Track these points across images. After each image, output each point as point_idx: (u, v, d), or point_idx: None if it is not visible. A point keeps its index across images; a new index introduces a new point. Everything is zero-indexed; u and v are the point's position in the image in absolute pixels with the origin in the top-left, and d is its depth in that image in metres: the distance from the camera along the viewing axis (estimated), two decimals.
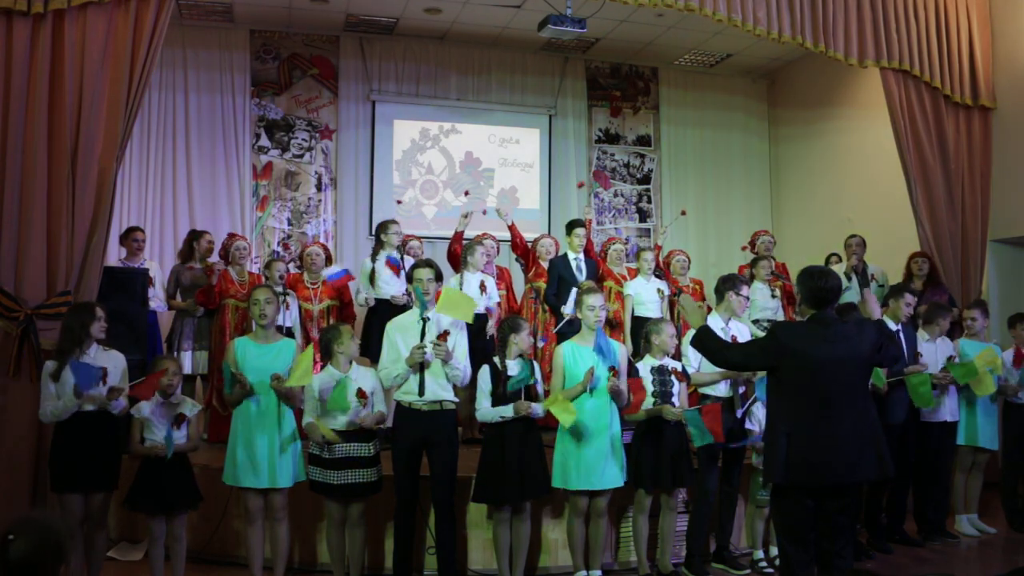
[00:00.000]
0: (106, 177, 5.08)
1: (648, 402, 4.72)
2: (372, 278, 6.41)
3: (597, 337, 4.55)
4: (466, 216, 6.90)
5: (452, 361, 4.36)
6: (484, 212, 7.36)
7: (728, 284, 5.03)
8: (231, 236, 6.76)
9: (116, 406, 4.22)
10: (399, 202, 8.53)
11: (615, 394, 4.53)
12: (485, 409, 4.51)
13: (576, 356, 4.57)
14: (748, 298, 5.17)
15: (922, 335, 5.77)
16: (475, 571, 4.88)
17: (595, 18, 7.82)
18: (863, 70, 7.40)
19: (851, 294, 6.66)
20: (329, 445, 4.30)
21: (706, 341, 3.93)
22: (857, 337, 3.75)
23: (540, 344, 6.41)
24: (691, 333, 4.08)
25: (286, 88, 8.93)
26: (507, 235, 7.13)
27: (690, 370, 4.81)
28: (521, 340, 4.56)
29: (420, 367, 4.35)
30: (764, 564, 5.00)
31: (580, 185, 9.27)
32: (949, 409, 5.64)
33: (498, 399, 4.48)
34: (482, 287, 6.29)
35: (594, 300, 4.64)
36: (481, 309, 6.23)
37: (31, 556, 1.93)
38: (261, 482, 4.32)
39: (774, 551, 4.89)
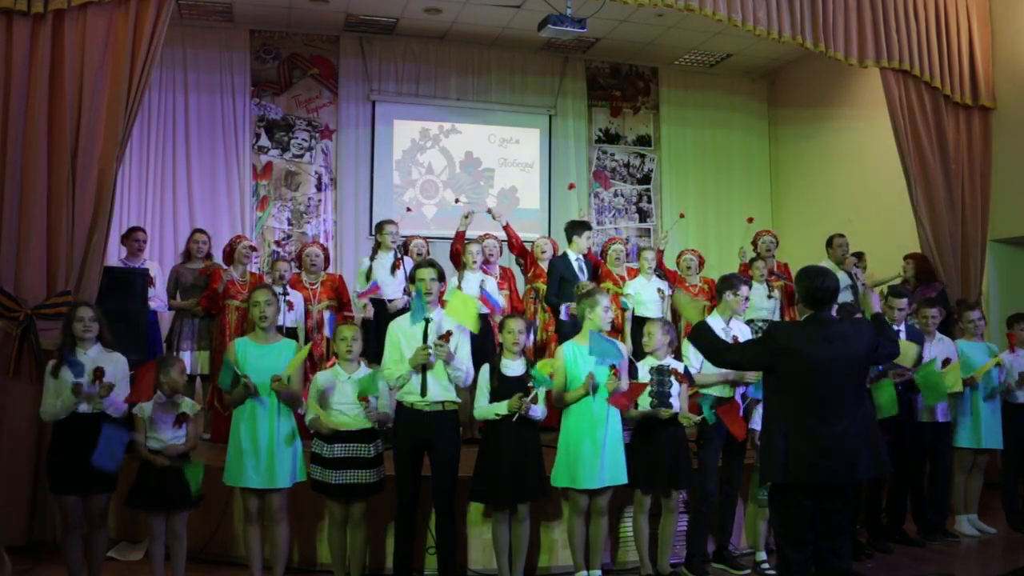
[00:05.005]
0: (106, 177, 5.08)
1: (645, 402, 4.72)
2: (368, 277, 6.43)
3: (592, 342, 4.45)
4: (467, 216, 6.88)
5: (454, 362, 4.36)
6: (489, 211, 7.32)
7: (726, 284, 5.06)
8: (237, 237, 6.75)
9: (115, 410, 4.22)
10: (408, 209, 8.52)
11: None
12: (482, 407, 4.51)
13: (577, 357, 4.56)
14: (747, 298, 5.16)
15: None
16: (475, 571, 4.88)
17: (595, 18, 7.83)
18: (863, 70, 7.40)
19: (846, 293, 6.66)
20: (326, 433, 4.36)
21: (703, 338, 3.91)
22: (854, 336, 3.76)
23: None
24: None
25: (286, 88, 8.94)
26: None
27: (692, 371, 4.81)
28: (505, 337, 4.55)
29: (423, 368, 4.35)
30: (766, 566, 5.00)
31: (571, 187, 9.20)
32: (940, 410, 5.63)
33: (496, 398, 4.47)
34: (481, 287, 6.29)
35: (607, 301, 4.67)
36: (485, 310, 6.24)
37: None
38: (261, 482, 4.31)
39: None
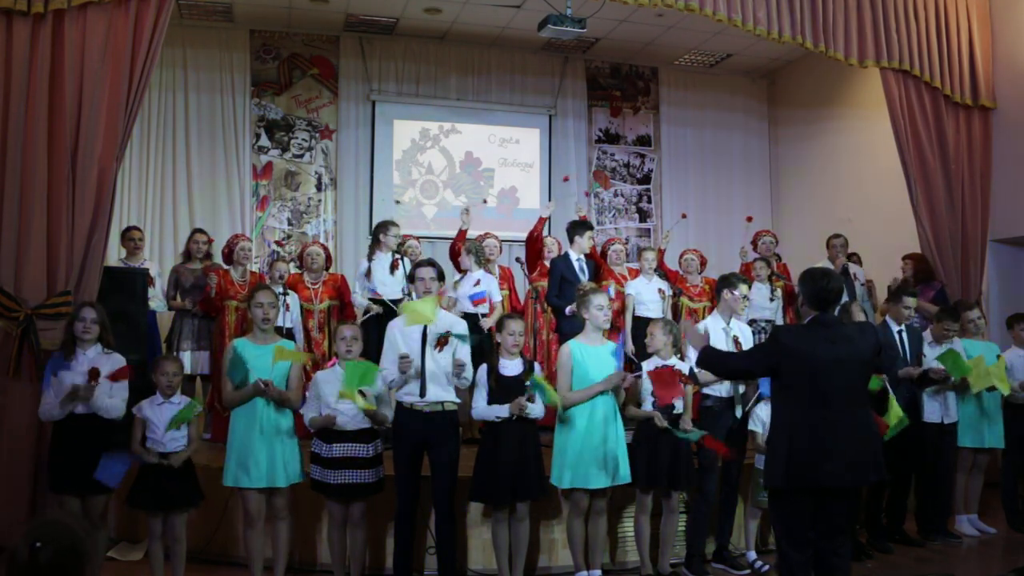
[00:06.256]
0: (106, 177, 5.07)
1: (646, 403, 4.72)
2: (367, 279, 6.41)
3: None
4: (466, 212, 6.87)
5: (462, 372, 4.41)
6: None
7: (723, 283, 5.10)
8: (235, 237, 6.74)
9: (107, 411, 4.20)
10: (397, 202, 8.61)
11: (617, 391, 4.55)
12: (481, 408, 4.51)
13: (584, 355, 4.56)
14: (746, 296, 5.17)
15: (926, 336, 5.79)
16: (475, 571, 4.88)
17: (595, 18, 7.82)
18: (863, 70, 7.40)
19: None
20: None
21: (710, 359, 3.99)
22: (858, 339, 3.77)
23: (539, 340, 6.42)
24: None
25: (286, 88, 8.94)
26: (509, 234, 7.08)
27: (696, 370, 4.80)
28: (504, 338, 4.55)
29: (422, 369, 4.36)
30: (759, 563, 5.00)
31: (565, 179, 9.22)
32: (946, 411, 5.64)
33: (494, 398, 4.47)
34: (477, 285, 6.28)
35: (601, 300, 4.65)
36: (485, 308, 6.23)
37: (56, 561, 1.91)
38: (261, 482, 4.30)
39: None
